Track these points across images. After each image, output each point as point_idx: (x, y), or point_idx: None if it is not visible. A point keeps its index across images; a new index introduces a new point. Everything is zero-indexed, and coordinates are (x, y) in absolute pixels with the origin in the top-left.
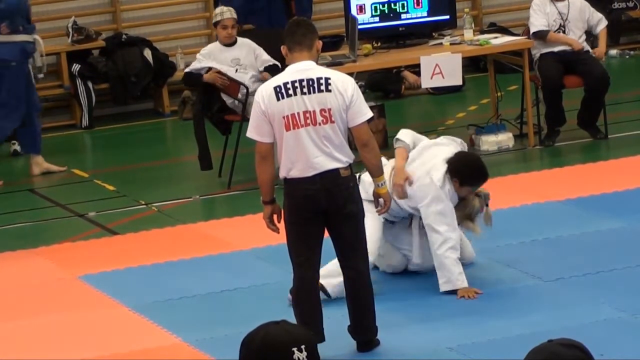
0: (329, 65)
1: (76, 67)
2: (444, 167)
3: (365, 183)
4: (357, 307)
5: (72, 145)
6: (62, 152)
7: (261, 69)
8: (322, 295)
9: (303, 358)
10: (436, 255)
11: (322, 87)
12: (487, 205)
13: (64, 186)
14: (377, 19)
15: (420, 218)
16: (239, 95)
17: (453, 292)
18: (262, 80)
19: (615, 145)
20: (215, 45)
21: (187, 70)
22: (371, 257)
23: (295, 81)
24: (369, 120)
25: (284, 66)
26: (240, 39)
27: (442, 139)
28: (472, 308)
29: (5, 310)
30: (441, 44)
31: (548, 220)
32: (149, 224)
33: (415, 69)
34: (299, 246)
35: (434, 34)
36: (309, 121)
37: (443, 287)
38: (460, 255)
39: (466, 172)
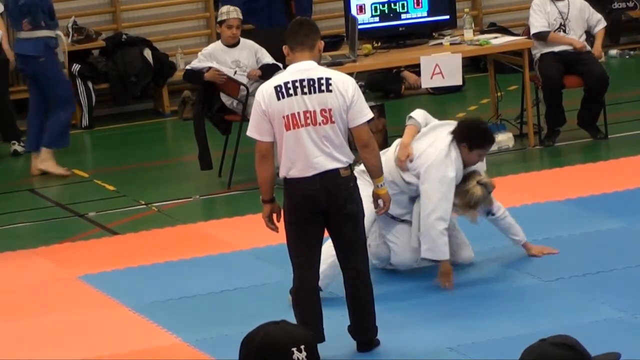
0: (329, 65)
1: (76, 67)
2: (448, 137)
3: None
4: (357, 307)
5: (72, 145)
6: (62, 152)
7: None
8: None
9: (303, 358)
10: (424, 222)
11: (323, 87)
12: (489, 193)
13: (64, 186)
14: (377, 19)
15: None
16: (239, 95)
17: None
18: (257, 80)
19: (615, 145)
20: (216, 46)
21: (187, 67)
22: None
23: (296, 81)
24: (369, 121)
25: (285, 66)
26: (243, 40)
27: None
28: (472, 308)
29: (5, 310)
30: (441, 44)
31: (548, 220)
32: (149, 224)
33: (415, 69)
34: (298, 246)
35: (434, 34)
36: (309, 121)
37: (425, 254)
38: (459, 256)
39: (473, 134)
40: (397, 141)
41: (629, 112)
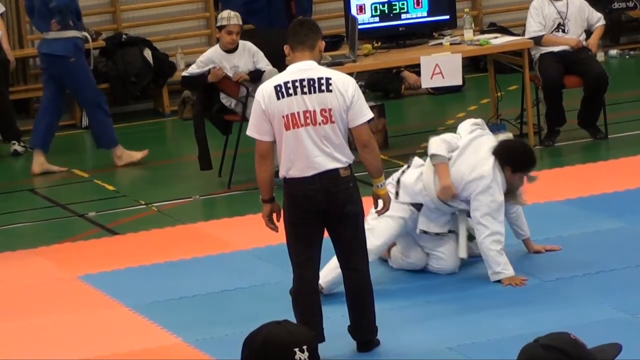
0: (329, 65)
1: None
2: (491, 158)
3: (407, 186)
4: (357, 307)
5: (72, 145)
6: (62, 152)
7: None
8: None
9: (305, 358)
10: (481, 247)
11: (323, 87)
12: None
13: (64, 186)
14: (377, 19)
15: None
16: (239, 96)
17: (497, 281)
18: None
19: (615, 145)
20: (215, 51)
21: (184, 74)
22: (371, 257)
23: (296, 80)
24: (369, 121)
25: (285, 65)
26: (241, 44)
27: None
28: (472, 308)
29: (5, 310)
30: (441, 44)
31: (548, 220)
32: (149, 224)
33: (415, 69)
34: (298, 246)
35: (434, 34)
36: (308, 121)
37: (493, 278)
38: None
39: (517, 158)
40: (428, 164)
41: (629, 112)
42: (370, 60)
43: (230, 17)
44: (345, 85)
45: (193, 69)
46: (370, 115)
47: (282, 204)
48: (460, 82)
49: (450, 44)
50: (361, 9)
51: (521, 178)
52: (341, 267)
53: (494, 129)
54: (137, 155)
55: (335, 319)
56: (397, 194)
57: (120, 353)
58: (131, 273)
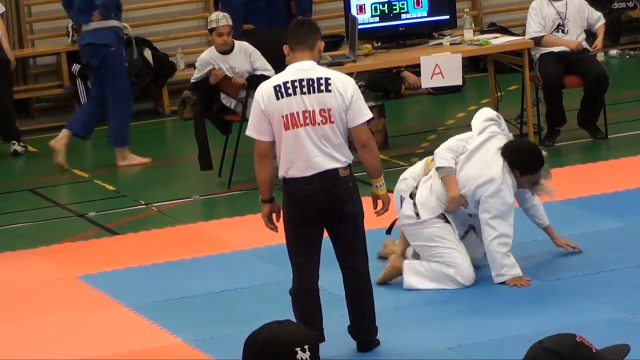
0: (329, 65)
1: (76, 67)
2: (500, 160)
3: (424, 204)
4: (357, 307)
5: (73, 145)
6: None
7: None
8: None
9: (306, 358)
10: (488, 249)
11: (322, 87)
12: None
13: (64, 186)
14: (377, 19)
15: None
16: (239, 96)
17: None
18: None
19: (615, 145)
20: (210, 53)
21: (192, 80)
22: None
23: (295, 80)
24: (369, 121)
25: (285, 65)
26: (237, 44)
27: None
28: (472, 308)
29: (5, 310)
30: (441, 44)
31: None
32: (149, 224)
33: (415, 69)
34: (298, 246)
35: (434, 34)
36: (308, 121)
37: (496, 280)
38: (473, 255)
39: (526, 160)
40: (433, 172)
41: (629, 112)
42: (370, 60)
43: (218, 19)
44: (344, 85)
45: (197, 74)
46: (369, 115)
47: (281, 204)
48: (460, 82)
49: (450, 44)
50: (361, 9)
51: (530, 179)
52: (341, 267)
53: None
54: (139, 160)
55: (335, 319)
56: (417, 214)
57: (120, 353)
58: (131, 273)
